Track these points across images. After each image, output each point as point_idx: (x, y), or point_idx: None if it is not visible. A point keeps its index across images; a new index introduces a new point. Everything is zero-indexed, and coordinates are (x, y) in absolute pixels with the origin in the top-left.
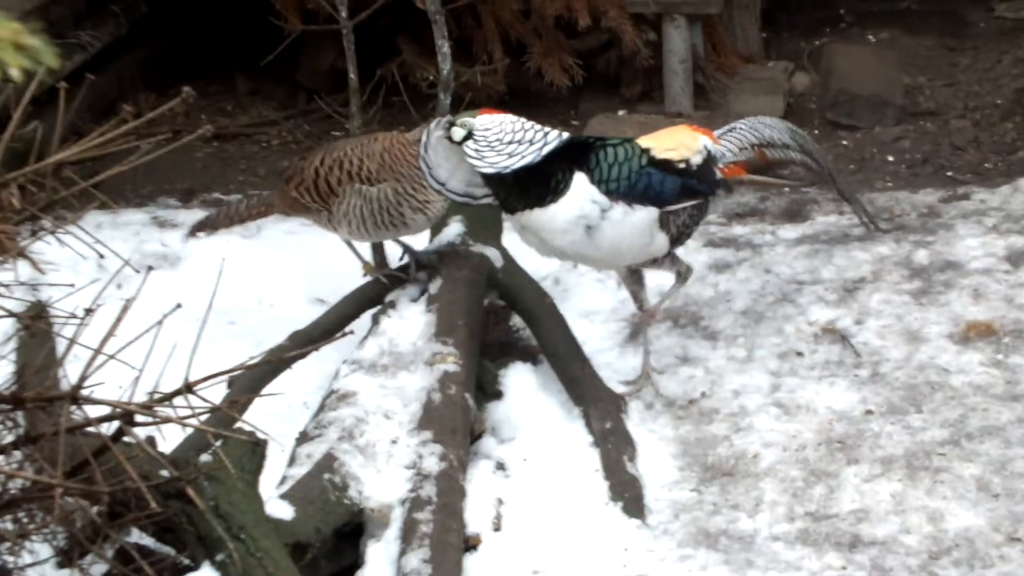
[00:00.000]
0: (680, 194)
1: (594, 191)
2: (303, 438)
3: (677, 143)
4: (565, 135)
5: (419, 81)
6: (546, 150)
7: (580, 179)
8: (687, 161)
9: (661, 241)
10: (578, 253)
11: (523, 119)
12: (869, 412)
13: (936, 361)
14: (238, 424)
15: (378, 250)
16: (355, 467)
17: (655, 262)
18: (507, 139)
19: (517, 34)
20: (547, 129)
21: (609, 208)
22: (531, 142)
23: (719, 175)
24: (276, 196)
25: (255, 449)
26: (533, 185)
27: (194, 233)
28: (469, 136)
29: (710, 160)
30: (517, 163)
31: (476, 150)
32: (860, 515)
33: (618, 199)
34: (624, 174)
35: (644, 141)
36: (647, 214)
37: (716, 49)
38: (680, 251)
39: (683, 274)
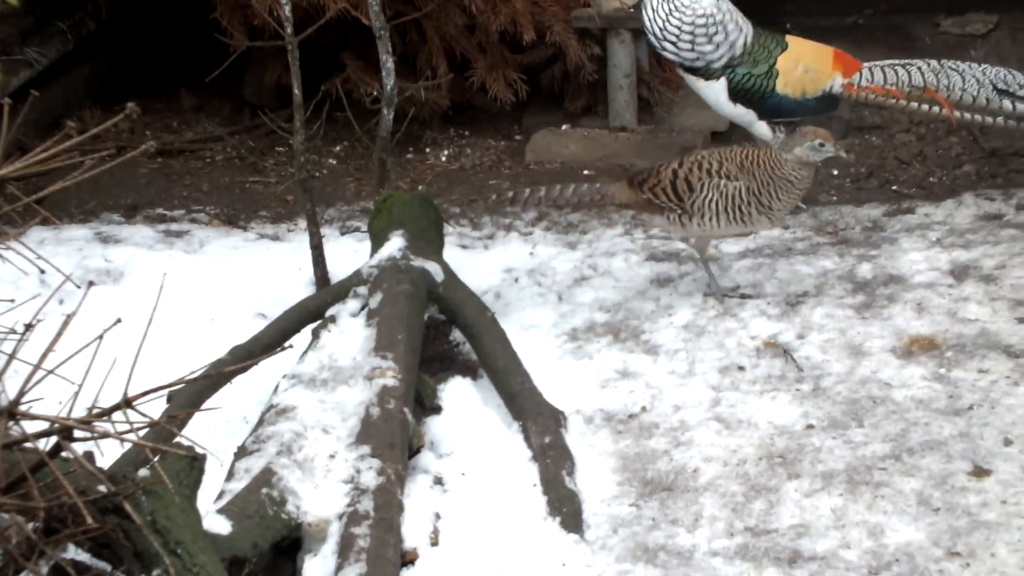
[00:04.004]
0: None
1: None
2: (242, 452)
3: None
4: None
5: (363, 96)
6: None
7: None
8: None
9: None
10: None
11: None
12: (810, 427)
13: (878, 375)
14: (177, 439)
15: (319, 264)
16: (293, 482)
17: None
18: None
19: (462, 49)
20: None
21: None
22: None
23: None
24: (618, 191)
25: (193, 464)
26: None
27: (517, 203)
28: None
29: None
30: None
31: None
32: (800, 530)
33: None
34: None
35: None
36: None
37: (660, 63)
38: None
39: None
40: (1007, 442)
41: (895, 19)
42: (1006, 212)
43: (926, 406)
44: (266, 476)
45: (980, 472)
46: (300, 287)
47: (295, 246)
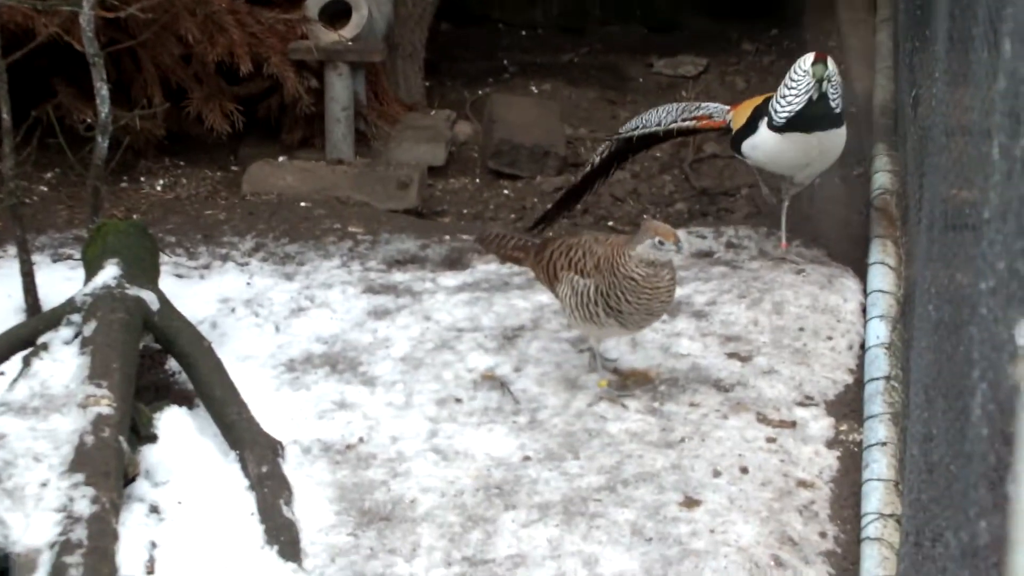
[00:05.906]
0: None
1: None
2: None
3: None
4: None
5: (76, 123)
6: None
7: None
8: None
9: None
10: None
11: None
12: (527, 458)
13: (594, 408)
14: None
15: (30, 292)
16: (1, 511)
17: None
18: None
19: (178, 79)
20: None
21: None
22: None
23: None
24: (530, 256)
25: None
26: None
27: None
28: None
29: None
30: None
31: None
32: (517, 560)
33: None
34: None
35: None
36: None
37: (379, 97)
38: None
39: None
40: (716, 473)
41: (610, 58)
42: (716, 249)
43: (640, 439)
44: None
45: (691, 502)
46: (10, 314)
47: (4, 273)
